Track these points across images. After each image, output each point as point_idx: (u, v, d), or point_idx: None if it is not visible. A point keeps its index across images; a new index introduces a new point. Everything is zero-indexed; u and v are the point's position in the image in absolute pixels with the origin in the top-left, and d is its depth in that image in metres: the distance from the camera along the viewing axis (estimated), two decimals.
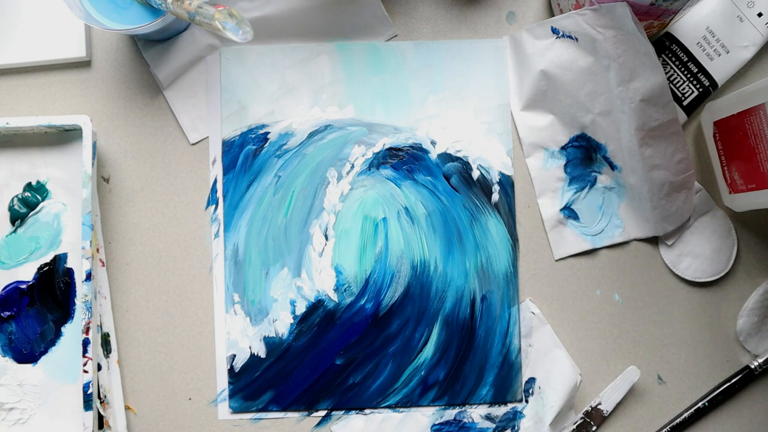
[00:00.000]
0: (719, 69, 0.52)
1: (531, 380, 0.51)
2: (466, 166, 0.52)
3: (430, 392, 0.50)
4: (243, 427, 0.50)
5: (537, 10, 0.54)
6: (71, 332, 0.49)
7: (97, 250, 0.50)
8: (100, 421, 0.49)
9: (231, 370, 0.50)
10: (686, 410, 0.51)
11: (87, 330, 0.47)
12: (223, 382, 0.50)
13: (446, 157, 0.52)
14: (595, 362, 0.51)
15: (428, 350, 0.51)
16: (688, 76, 0.52)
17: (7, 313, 0.49)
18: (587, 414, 0.51)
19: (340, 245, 0.51)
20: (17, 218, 0.50)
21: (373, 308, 0.51)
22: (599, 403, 0.51)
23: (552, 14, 0.53)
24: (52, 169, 0.50)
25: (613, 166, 0.52)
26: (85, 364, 0.47)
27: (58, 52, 0.51)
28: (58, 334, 0.49)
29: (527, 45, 0.52)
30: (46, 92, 0.52)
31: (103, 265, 0.51)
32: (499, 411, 0.50)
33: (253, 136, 0.52)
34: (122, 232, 0.51)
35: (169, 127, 0.52)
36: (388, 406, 0.50)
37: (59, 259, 0.50)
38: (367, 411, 0.50)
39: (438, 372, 0.50)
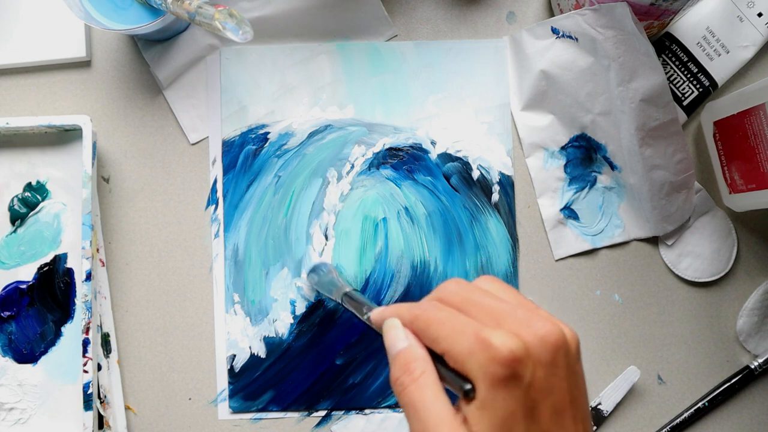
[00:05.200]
0: (719, 69, 0.52)
1: None
2: (466, 166, 0.52)
3: None
4: (243, 427, 0.50)
5: (537, 10, 0.54)
6: (71, 332, 0.49)
7: (97, 250, 0.50)
8: (100, 421, 0.49)
9: (231, 370, 0.50)
10: (686, 410, 0.51)
11: (87, 330, 0.47)
12: (223, 382, 0.50)
13: (446, 157, 0.52)
14: (595, 362, 0.51)
15: None
16: (688, 76, 0.52)
17: (7, 313, 0.49)
18: None
19: (340, 245, 0.51)
20: (17, 218, 0.50)
21: None
22: (599, 403, 0.51)
23: (552, 14, 0.53)
24: (52, 169, 0.50)
25: (613, 166, 0.52)
26: (85, 364, 0.47)
27: (58, 52, 0.51)
28: (58, 334, 0.49)
29: (527, 45, 0.52)
30: (46, 92, 0.52)
31: (103, 265, 0.51)
32: None
33: (253, 136, 0.52)
34: (122, 232, 0.51)
35: (169, 127, 0.52)
36: (388, 406, 0.50)
37: (59, 259, 0.50)
38: (367, 411, 0.50)
39: None
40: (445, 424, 0.29)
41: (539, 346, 0.29)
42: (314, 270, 0.49)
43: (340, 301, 0.43)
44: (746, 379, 0.51)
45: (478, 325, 0.30)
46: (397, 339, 0.32)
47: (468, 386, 0.29)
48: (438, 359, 0.31)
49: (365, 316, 0.38)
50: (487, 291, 0.32)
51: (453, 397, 0.30)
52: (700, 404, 0.51)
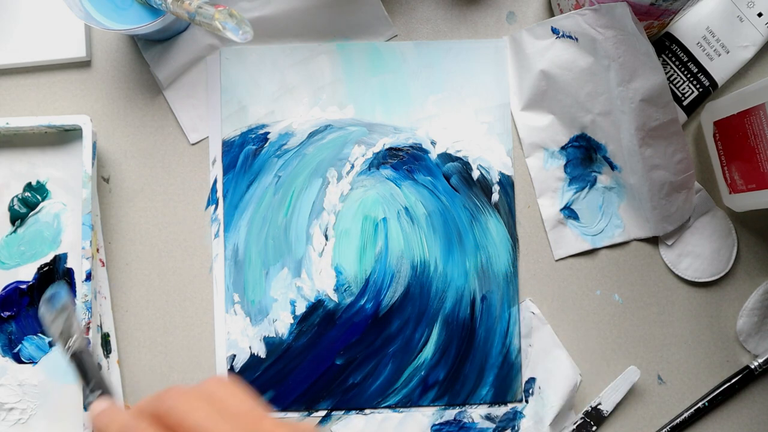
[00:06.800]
0: (719, 69, 0.52)
1: (531, 380, 0.51)
2: (466, 166, 0.52)
3: (430, 392, 0.50)
4: None
5: (537, 10, 0.54)
6: None
7: (97, 250, 0.50)
8: None
9: (231, 370, 0.50)
10: (686, 410, 0.51)
11: (87, 330, 0.47)
12: None
13: (446, 157, 0.52)
14: (595, 362, 0.51)
15: (428, 350, 0.51)
16: (688, 76, 0.52)
17: (7, 313, 0.49)
18: (587, 414, 0.51)
19: (340, 245, 0.51)
20: (17, 218, 0.50)
21: (373, 308, 0.51)
22: (599, 403, 0.51)
23: (552, 14, 0.53)
24: (52, 169, 0.50)
25: (613, 166, 0.52)
26: None
27: (58, 52, 0.51)
28: None
29: (527, 45, 0.52)
30: (46, 92, 0.52)
31: (103, 265, 0.51)
32: (499, 411, 0.50)
33: (253, 136, 0.52)
34: (122, 232, 0.51)
35: (169, 127, 0.52)
36: (388, 406, 0.50)
37: (59, 259, 0.50)
38: (367, 411, 0.50)
39: (438, 372, 0.50)
40: None
41: None
42: (49, 299, 0.41)
43: (67, 357, 0.38)
44: (746, 379, 0.51)
45: None
46: None
47: None
48: None
49: (88, 398, 0.36)
50: (208, 406, 0.29)
51: None
52: (700, 404, 0.51)
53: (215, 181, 0.52)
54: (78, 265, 0.50)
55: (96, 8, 0.48)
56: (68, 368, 0.39)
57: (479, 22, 0.53)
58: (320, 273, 0.51)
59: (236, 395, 0.30)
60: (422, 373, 0.50)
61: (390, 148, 0.52)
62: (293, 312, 0.51)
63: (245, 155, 0.52)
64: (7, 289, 0.50)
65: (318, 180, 0.52)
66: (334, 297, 0.51)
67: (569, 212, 0.52)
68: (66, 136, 0.50)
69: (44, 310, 0.40)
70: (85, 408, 0.34)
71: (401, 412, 0.50)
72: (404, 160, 0.52)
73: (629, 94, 0.48)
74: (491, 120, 0.52)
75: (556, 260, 0.52)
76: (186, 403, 0.29)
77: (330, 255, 0.51)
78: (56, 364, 0.49)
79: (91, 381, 0.36)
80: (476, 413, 0.50)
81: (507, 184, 0.52)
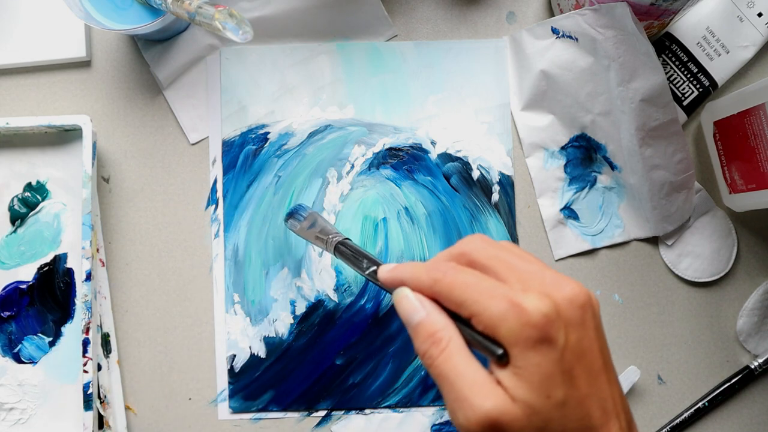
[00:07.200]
0: (719, 69, 0.52)
1: None
2: (466, 166, 0.52)
3: (430, 392, 0.50)
4: (243, 427, 0.50)
5: (537, 10, 0.54)
6: (71, 332, 0.49)
7: (97, 250, 0.50)
8: (100, 421, 0.49)
9: (231, 370, 0.50)
10: (686, 410, 0.51)
11: (87, 330, 0.47)
12: (223, 382, 0.50)
13: (446, 157, 0.52)
14: None
15: None
16: (688, 76, 0.52)
17: (7, 313, 0.49)
18: None
19: None
20: (17, 218, 0.50)
21: (373, 308, 0.51)
22: None
23: (552, 14, 0.53)
24: (52, 169, 0.50)
25: (613, 166, 0.52)
26: (85, 364, 0.47)
27: (58, 52, 0.51)
28: (58, 334, 0.49)
29: (527, 45, 0.52)
30: (46, 92, 0.52)
31: (103, 265, 0.51)
32: None
33: (253, 136, 0.52)
34: (122, 232, 0.51)
35: (169, 127, 0.52)
36: (388, 406, 0.50)
37: (59, 259, 0.50)
38: (367, 411, 0.50)
39: None
40: (482, 390, 0.28)
41: (569, 308, 0.29)
42: (292, 214, 0.47)
43: (331, 252, 0.41)
44: (746, 379, 0.51)
45: (508, 288, 0.29)
46: (413, 310, 0.31)
47: (500, 351, 0.29)
48: (461, 322, 0.30)
49: (367, 271, 0.37)
50: (512, 251, 0.31)
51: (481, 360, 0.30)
52: (700, 404, 0.51)
53: (215, 181, 0.52)
54: (78, 265, 0.50)
55: (96, 8, 0.48)
56: (337, 261, 0.45)
57: (479, 22, 0.53)
58: (320, 273, 0.51)
59: (529, 254, 0.32)
60: (422, 373, 0.50)
61: (390, 148, 0.52)
62: (293, 312, 0.51)
63: (245, 155, 0.52)
64: (7, 289, 0.50)
65: (318, 180, 0.52)
66: (334, 297, 0.51)
67: (569, 212, 0.52)
68: (66, 136, 0.50)
69: (292, 224, 0.46)
70: (370, 279, 0.37)
71: (401, 412, 0.50)
72: (404, 160, 0.52)
73: (629, 94, 0.48)
74: (491, 120, 0.52)
75: (556, 260, 0.52)
76: (490, 246, 0.31)
77: (330, 255, 0.51)
78: (56, 364, 0.49)
79: (363, 260, 0.38)
80: None
81: (507, 184, 0.52)
